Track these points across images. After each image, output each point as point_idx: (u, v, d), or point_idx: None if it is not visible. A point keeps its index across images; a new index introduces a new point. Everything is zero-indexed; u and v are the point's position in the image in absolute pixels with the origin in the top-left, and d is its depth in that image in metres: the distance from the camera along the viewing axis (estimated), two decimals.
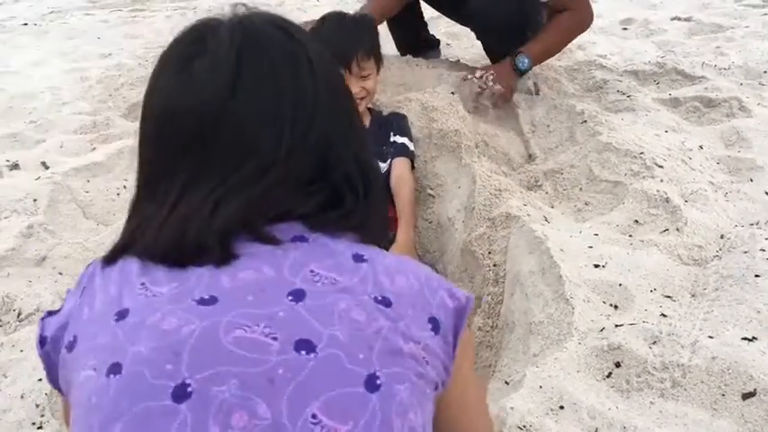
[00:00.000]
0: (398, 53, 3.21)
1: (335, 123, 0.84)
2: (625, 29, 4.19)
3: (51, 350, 0.79)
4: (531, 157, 2.52)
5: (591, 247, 1.79)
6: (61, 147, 2.73)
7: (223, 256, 0.74)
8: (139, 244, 0.78)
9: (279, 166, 0.78)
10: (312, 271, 0.74)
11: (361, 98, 2.28)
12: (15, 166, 2.57)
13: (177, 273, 0.74)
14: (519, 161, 2.48)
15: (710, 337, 1.40)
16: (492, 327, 1.84)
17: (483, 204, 2.05)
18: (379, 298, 0.74)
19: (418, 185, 2.37)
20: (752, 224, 1.92)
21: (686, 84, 3.05)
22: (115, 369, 0.68)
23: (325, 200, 0.81)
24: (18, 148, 2.79)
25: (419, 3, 3.13)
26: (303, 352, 0.67)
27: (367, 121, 2.40)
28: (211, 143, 0.79)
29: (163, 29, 5.51)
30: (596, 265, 1.71)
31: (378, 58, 2.34)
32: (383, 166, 2.32)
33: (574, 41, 3.77)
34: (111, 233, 2.08)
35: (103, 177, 2.44)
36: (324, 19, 2.38)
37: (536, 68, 3.18)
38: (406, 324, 0.73)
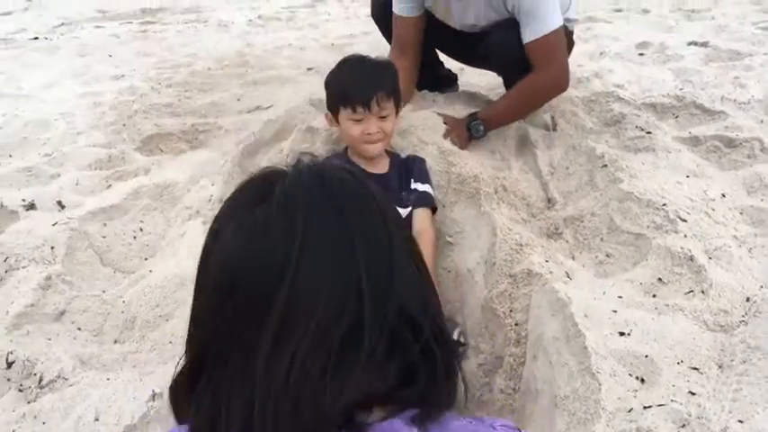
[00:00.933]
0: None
1: (413, 290, 0.79)
2: (641, 54, 4.15)
3: None
4: (550, 202, 2.50)
5: (615, 311, 1.76)
6: (76, 184, 2.72)
7: None
8: None
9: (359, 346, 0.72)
10: None
11: (379, 139, 2.27)
12: (32, 206, 2.56)
13: None
14: (539, 206, 2.46)
15: (740, 421, 1.38)
16: (514, 389, 1.82)
17: (504, 260, 2.03)
18: None
19: (436, 232, 2.34)
20: None
21: (706, 120, 3.02)
22: None
23: (401, 377, 0.75)
24: (33, 184, 2.79)
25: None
26: None
27: (385, 164, 2.38)
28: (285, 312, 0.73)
29: (174, 45, 5.52)
30: (621, 333, 1.68)
31: (397, 101, 2.32)
32: (403, 212, 2.30)
33: (586, 71, 3.77)
34: (129, 285, 2.07)
35: (120, 220, 2.43)
36: (345, 61, 2.38)
37: (552, 101, 3.17)
38: None
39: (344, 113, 2.25)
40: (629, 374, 1.58)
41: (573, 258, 2.19)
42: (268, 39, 5.53)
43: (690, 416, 1.39)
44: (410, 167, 2.39)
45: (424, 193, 2.34)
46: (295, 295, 0.72)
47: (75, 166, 2.92)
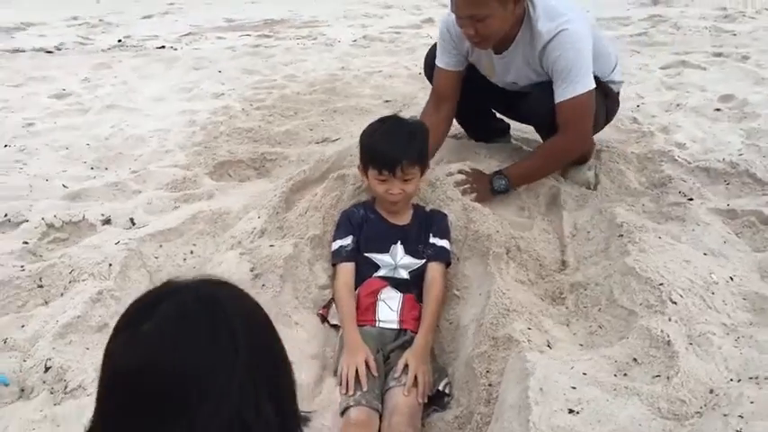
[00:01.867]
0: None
1: (255, 389, 1.00)
2: (718, 109, 4.09)
3: None
4: (564, 265, 2.61)
5: (574, 387, 1.88)
6: (149, 203, 3.09)
7: None
8: None
9: None
10: None
11: (401, 199, 2.48)
12: (108, 221, 2.95)
13: None
14: (551, 268, 2.57)
15: None
16: None
17: (490, 322, 2.18)
18: None
19: (447, 283, 2.52)
20: (751, 378, 1.94)
21: (755, 191, 3.00)
22: None
23: None
24: (115, 199, 3.19)
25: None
26: None
27: (408, 216, 2.59)
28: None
29: (278, 63, 5.92)
30: (571, 410, 1.80)
31: (423, 164, 2.52)
32: (418, 263, 2.50)
33: (654, 124, 3.79)
34: None
35: (174, 243, 2.76)
36: (381, 122, 2.59)
37: (603, 155, 3.25)
38: None
39: (372, 173, 2.47)
40: None
41: (567, 325, 2.31)
42: (364, 62, 5.82)
43: None
44: (431, 222, 2.58)
45: (441, 248, 2.52)
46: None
47: (155, 184, 3.31)
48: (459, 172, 2.84)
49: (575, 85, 2.66)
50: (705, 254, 2.48)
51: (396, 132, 2.50)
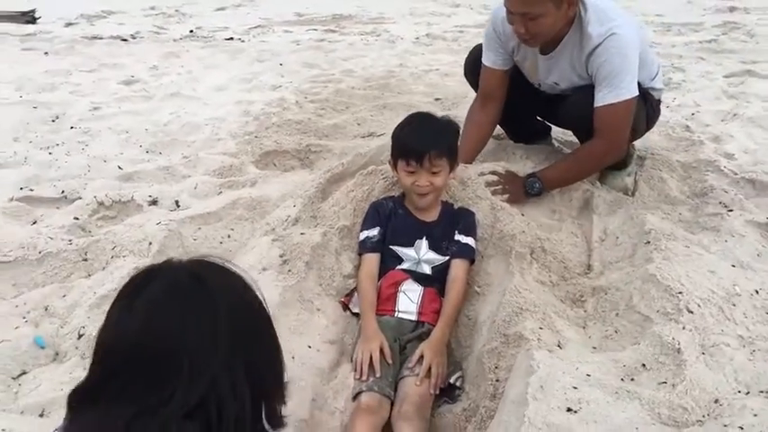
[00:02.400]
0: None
1: (231, 369, 1.10)
2: None
3: None
4: (589, 268, 2.61)
5: (575, 387, 1.90)
6: (195, 188, 3.24)
7: None
8: None
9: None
10: None
11: (429, 192, 2.53)
12: (154, 203, 3.11)
13: None
14: (575, 271, 2.58)
15: None
16: None
17: (503, 320, 2.21)
18: None
19: (470, 280, 2.56)
20: (761, 392, 1.92)
21: None
22: None
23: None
24: (165, 182, 3.35)
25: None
26: None
27: (435, 213, 2.64)
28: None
29: (338, 58, 6.04)
30: (569, 409, 1.82)
31: (452, 159, 2.57)
32: (441, 259, 2.55)
33: (707, 133, 3.72)
34: None
35: (213, 226, 2.89)
36: (412, 117, 2.66)
37: (647, 162, 3.22)
38: None
39: (401, 164, 2.53)
40: None
41: (584, 327, 2.32)
42: (422, 60, 5.88)
43: None
44: (458, 219, 2.62)
45: (466, 245, 2.56)
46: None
47: (203, 170, 3.46)
48: (492, 173, 2.87)
49: (617, 91, 2.65)
50: (733, 265, 2.45)
51: (425, 126, 2.57)
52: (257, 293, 1.26)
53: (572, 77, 2.84)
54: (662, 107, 4.25)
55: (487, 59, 3.01)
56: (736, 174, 3.20)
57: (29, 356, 2.12)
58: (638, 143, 3.34)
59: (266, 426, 1.19)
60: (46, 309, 2.32)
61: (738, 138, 3.72)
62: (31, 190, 3.20)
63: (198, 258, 1.23)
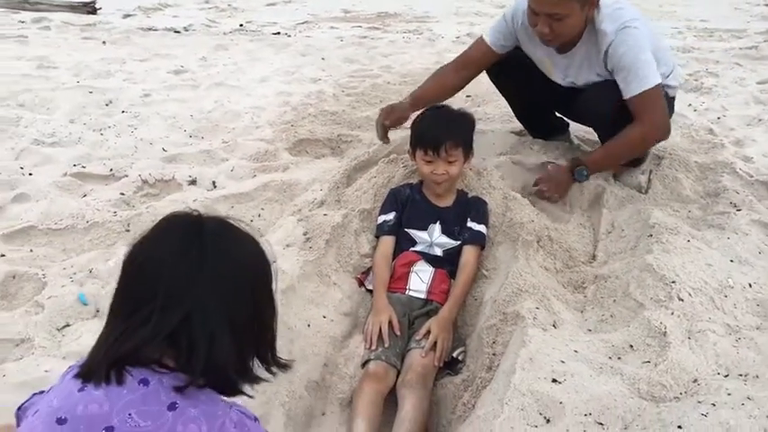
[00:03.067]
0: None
1: (206, 309, 1.22)
2: None
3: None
4: (593, 258, 2.75)
5: (563, 361, 2.05)
6: (231, 170, 3.47)
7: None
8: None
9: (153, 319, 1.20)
10: (130, 414, 1.14)
11: (444, 180, 2.71)
12: (193, 182, 3.35)
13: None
14: (579, 260, 2.72)
15: None
16: (473, 405, 2.19)
17: (503, 299, 2.38)
18: None
19: (478, 264, 2.72)
20: (740, 375, 2.04)
21: None
22: None
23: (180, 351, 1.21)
24: (204, 164, 3.59)
25: None
26: None
27: (450, 200, 2.82)
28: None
29: (378, 55, 6.21)
30: (554, 380, 1.98)
31: (467, 150, 2.74)
32: (452, 243, 2.72)
33: (730, 137, 3.80)
34: None
35: (245, 205, 3.12)
36: (431, 108, 2.85)
37: (664, 162, 3.32)
38: None
39: (419, 154, 2.72)
40: (539, 413, 1.89)
41: (582, 312, 2.47)
42: None
43: None
44: (470, 208, 2.79)
45: (478, 232, 2.73)
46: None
47: (240, 154, 3.69)
48: (538, 181, 3.00)
49: (643, 80, 2.75)
50: (731, 261, 2.56)
51: (442, 117, 2.77)
52: (261, 258, 1.36)
53: (589, 76, 2.96)
54: (689, 110, 4.37)
55: (490, 37, 3.11)
56: (751, 176, 3.28)
57: (73, 311, 2.37)
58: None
59: (260, 367, 1.34)
60: (90, 271, 2.56)
61: (760, 142, 3.79)
62: (83, 167, 3.47)
63: (216, 216, 1.37)
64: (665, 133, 2.94)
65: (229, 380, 1.29)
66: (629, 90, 2.78)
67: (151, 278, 1.22)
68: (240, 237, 1.35)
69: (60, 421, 1.15)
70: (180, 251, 1.24)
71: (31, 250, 2.72)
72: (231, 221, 1.38)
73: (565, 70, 3.02)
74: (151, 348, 1.20)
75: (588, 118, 3.14)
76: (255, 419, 1.27)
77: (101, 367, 1.18)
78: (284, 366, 1.44)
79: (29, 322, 2.28)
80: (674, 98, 3.16)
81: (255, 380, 1.34)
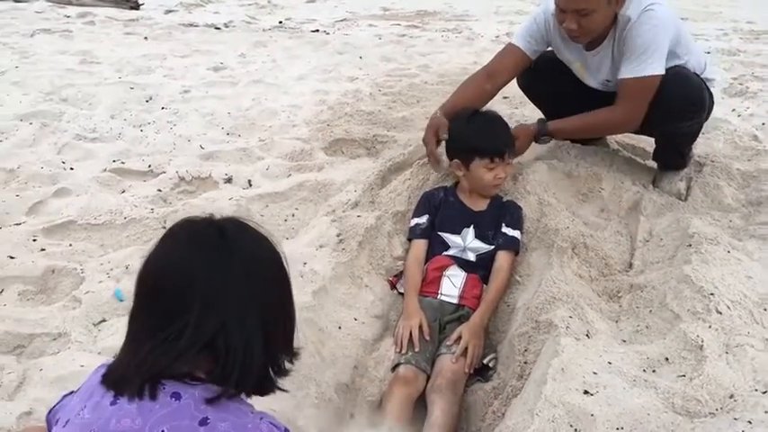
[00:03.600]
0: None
1: (243, 316, 1.24)
2: None
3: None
4: (630, 267, 2.70)
5: (595, 373, 2.02)
6: (267, 169, 3.49)
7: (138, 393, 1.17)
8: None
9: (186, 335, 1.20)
10: (162, 431, 1.14)
11: (499, 183, 2.77)
12: (229, 180, 3.38)
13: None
14: (616, 269, 2.68)
15: None
16: (502, 414, 2.17)
17: (536, 306, 2.35)
18: None
19: (512, 270, 2.70)
20: None
21: None
22: None
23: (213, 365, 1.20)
24: (241, 162, 3.62)
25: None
26: None
27: (485, 204, 2.80)
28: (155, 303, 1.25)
29: (416, 54, 6.20)
30: (586, 392, 1.95)
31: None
32: (486, 248, 2.70)
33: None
34: None
35: (279, 204, 3.14)
36: (477, 116, 2.86)
37: (705, 169, 3.25)
38: None
39: (480, 162, 2.71)
40: (570, 425, 1.87)
41: (617, 321, 2.43)
42: None
43: None
44: (505, 212, 2.77)
45: (512, 238, 2.71)
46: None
47: (276, 153, 3.71)
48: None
49: (644, 65, 2.72)
50: None
51: (494, 123, 2.82)
52: (279, 254, 1.38)
53: (613, 69, 2.91)
54: (733, 115, 4.27)
55: (520, 41, 3.05)
56: None
57: (109, 307, 2.40)
58: (698, 149, 3.37)
59: (272, 374, 1.33)
60: (126, 267, 2.60)
61: None
62: (123, 163, 3.53)
63: (228, 216, 1.37)
64: (633, 126, 2.94)
65: (266, 379, 1.31)
66: (628, 71, 2.76)
67: (183, 291, 1.22)
68: (258, 237, 1.36)
69: None
70: (208, 260, 1.25)
71: (71, 245, 2.77)
72: (245, 221, 1.39)
73: (597, 70, 2.98)
74: (185, 360, 1.20)
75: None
76: (286, 430, 1.27)
77: (134, 381, 1.19)
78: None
79: (66, 317, 2.32)
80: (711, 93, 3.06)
81: (286, 373, 1.36)
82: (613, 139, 3.54)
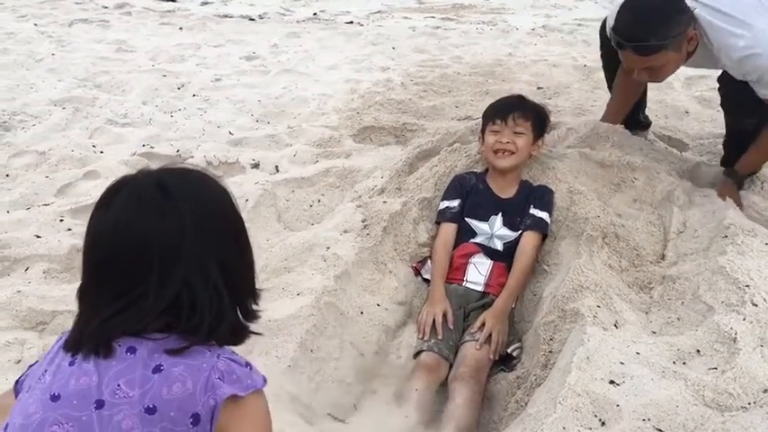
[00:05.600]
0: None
1: (203, 268, 1.21)
2: None
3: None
4: (662, 258, 2.62)
5: (622, 363, 1.96)
6: (294, 155, 3.47)
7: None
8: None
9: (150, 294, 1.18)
10: (119, 385, 1.14)
11: (509, 151, 2.70)
12: (256, 166, 3.37)
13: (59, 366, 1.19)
14: (647, 260, 2.59)
15: None
16: (525, 403, 2.11)
17: (563, 296, 2.29)
18: (150, 407, 1.13)
19: (540, 258, 2.64)
20: None
21: None
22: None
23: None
24: (268, 149, 3.61)
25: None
26: None
27: (513, 191, 2.74)
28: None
29: (449, 45, 6.15)
30: (612, 382, 1.89)
31: (536, 129, 2.71)
32: (513, 235, 2.64)
33: None
34: (283, 239, 2.72)
35: (305, 190, 3.12)
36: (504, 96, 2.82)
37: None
38: (165, 424, 1.13)
39: (488, 127, 2.69)
40: (594, 415, 1.81)
41: (647, 313, 2.35)
42: (533, 50, 5.89)
43: None
44: (535, 195, 2.71)
45: (540, 219, 2.65)
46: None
47: (304, 140, 3.69)
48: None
49: None
50: None
51: (514, 97, 2.85)
52: (228, 199, 1.33)
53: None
54: None
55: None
56: None
57: None
58: None
59: (242, 319, 1.30)
60: None
61: None
62: (152, 147, 3.55)
63: (167, 167, 1.32)
64: None
65: (238, 326, 1.29)
66: (764, 95, 2.65)
67: (139, 256, 1.19)
68: (202, 187, 1.31)
69: (54, 398, 1.15)
70: (159, 222, 1.21)
71: None
72: (184, 167, 1.35)
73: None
74: (152, 320, 1.19)
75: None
76: (248, 365, 1.23)
77: (91, 341, 1.18)
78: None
79: None
80: None
81: (256, 317, 1.34)
82: (651, 130, 3.45)
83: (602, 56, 3.38)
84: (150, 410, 1.13)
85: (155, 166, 3.17)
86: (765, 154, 2.92)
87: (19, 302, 2.26)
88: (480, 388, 2.29)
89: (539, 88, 4.57)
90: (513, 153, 2.68)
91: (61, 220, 2.80)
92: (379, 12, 8.35)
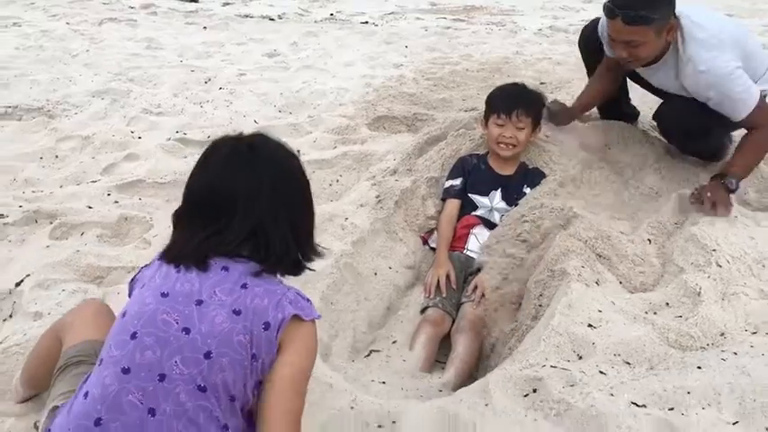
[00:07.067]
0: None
1: (274, 214, 1.56)
2: None
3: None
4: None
5: (600, 311, 2.27)
6: (315, 141, 3.81)
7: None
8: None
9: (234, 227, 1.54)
10: (215, 291, 1.50)
11: (511, 144, 3.01)
12: None
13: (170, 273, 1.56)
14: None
15: (612, 395, 1.89)
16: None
17: (552, 258, 2.60)
18: (237, 310, 1.48)
19: None
20: None
21: None
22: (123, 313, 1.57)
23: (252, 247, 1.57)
24: (291, 136, 3.95)
25: (626, 79, 3.55)
26: (184, 332, 1.45)
27: (512, 169, 3.07)
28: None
29: (460, 44, 6.46)
30: (590, 325, 2.20)
31: (535, 121, 3.01)
32: (509, 209, 2.96)
33: None
34: None
35: (325, 171, 3.45)
36: (506, 84, 3.20)
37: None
38: (246, 323, 1.48)
39: (492, 119, 3.00)
40: (573, 351, 2.12)
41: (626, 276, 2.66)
42: (539, 49, 6.21)
43: (577, 381, 1.93)
44: (530, 177, 3.03)
45: None
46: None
47: (323, 128, 4.03)
48: (695, 191, 2.94)
49: (742, 103, 2.83)
50: None
51: (516, 89, 3.12)
52: (300, 163, 1.70)
53: (677, 87, 3.03)
54: None
55: (606, 52, 3.23)
56: None
57: None
58: None
59: (301, 259, 1.66)
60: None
61: None
62: (185, 134, 3.89)
63: (256, 132, 1.72)
64: None
65: (298, 263, 1.66)
66: (737, 115, 2.87)
67: (227, 200, 1.55)
68: (282, 150, 1.68)
69: (164, 295, 1.52)
70: (244, 174, 1.57)
71: (140, 199, 3.13)
72: (270, 136, 1.72)
73: (650, 77, 3.14)
74: (233, 245, 1.55)
75: (659, 124, 3.28)
76: (308, 301, 1.59)
77: (191, 257, 1.54)
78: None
79: (139, 255, 2.67)
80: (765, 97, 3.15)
81: (312, 258, 1.69)
82: (651, 125, 3.73)
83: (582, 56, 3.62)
84: (237, 312, 1.49)
85: (189, 150, 3.55)
86: (755, 158, 3.03)
87: (78, 260, 2.60)
88: (478, 339, 2.60)
89: (541, 83, 4.88)
90: (515, 146, 3.01)
91: (108, 194, 3.15)
92: (392, 13, 8.69)
